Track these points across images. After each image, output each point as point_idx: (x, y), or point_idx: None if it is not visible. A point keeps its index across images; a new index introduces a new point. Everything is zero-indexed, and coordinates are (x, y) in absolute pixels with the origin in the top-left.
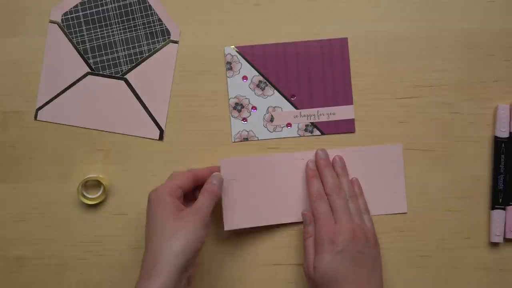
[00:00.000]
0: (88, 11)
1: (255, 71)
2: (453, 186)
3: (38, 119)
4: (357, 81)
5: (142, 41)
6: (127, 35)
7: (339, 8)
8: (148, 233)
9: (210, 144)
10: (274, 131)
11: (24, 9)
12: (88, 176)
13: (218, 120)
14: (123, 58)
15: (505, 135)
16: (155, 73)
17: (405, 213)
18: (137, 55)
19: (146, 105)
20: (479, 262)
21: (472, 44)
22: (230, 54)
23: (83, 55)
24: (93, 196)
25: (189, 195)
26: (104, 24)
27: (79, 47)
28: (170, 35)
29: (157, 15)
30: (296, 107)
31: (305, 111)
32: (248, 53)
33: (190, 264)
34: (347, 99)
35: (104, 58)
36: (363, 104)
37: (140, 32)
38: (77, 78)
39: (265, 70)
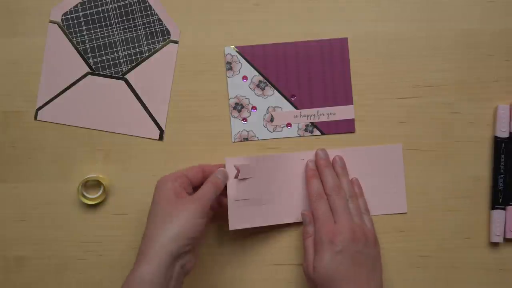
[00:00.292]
0: (88, 11)
1: (255, 71)
2: (453, 186)
3: (38, 119)
4: (357, 81)
5: (142, 41)
6: (127, 35)
7: (339, 8)
8: (148, 218)
9: (210, 144)
10: (274, 131)
11: (24, 9)
12: (88, 176)
13: (218, 120)
14: (123, 58)
15: (505, 135)
16: (155, 73)
17: (405, 213)
18: (137, 55)
19: (146, 105)
20: (479, 262)
21: (472, 44)
22: (230, 54)
23: (83, 55)
24: (93, 196)
25: (198, 189)
26: (104, 24)
27: (79, 47)
28: (170, 35)
29: (157, 15)
30: (296, 107)
31: (305, 111)
32: (248, 53)
33: (185, 252)
34: (347, 99)
35: (104, 58)
36: (363, 104)
37: (140, 32)
38: (77, 78)
39: (265, 70)
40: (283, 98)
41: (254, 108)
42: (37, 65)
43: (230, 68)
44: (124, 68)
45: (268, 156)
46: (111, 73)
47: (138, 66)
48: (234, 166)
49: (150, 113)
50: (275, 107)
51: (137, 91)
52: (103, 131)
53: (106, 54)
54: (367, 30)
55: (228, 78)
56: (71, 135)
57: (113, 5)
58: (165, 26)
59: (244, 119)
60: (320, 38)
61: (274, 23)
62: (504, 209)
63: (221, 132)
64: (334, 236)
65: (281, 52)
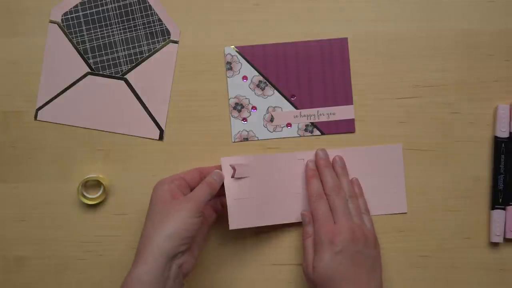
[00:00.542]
0: (88, 11)
1: (255, 71)
2: (453, 186)
3: (38, 119)
4: (357, 81)
5: (142, 41)
6: (127, 35)
7: (339, 8)
8: (145, 219)
9: (210, 144)
10: (274, 131)
11: (24, 9)
12: (88, 176)
13: (218, 120)
14: (123, 58)
15: (505, 135)
16: (155, 73)
17: (405, 213)
18: (137, 55)
19: (146, 105)
20: (479, 262)
21: (472, 44)
22: (230, 54)
23: (83, 55)
24: (93, 196)
25: None
26: (104, 24)
27: (79, 47)
28: (170, 35)
29: (157, 15)
30: (296, 107)
31: (305, 111)
32: (248, 53)
33: (181, 252)
34: (347, 99)
35: (104, 58)
36: (363, 104)
37: (140, 32)
38: (77, 78)
39: (265, 70)
40: (283, 98)
41: (254, 108)
42: (37, 65)
43: (230, 68)
44: (124, 68)
45: (265, 155)
46: (111, 73)
47: (138, 66)
48: (230, 165)
49: (150, 113)
50: (275, 107)
51: (137, 91)
52: (103, 131)
53: (106, 54)
54: (367, 30)
55: (228, 78)
56: (71, 135)
57: (113, 5)
58: (165, 26)
59: (244, 119)
60: (320, 38)
61: (274, 23)
62: (504, 209)
63: (221, 132)
64: (334, 236)
65: (281, 52)
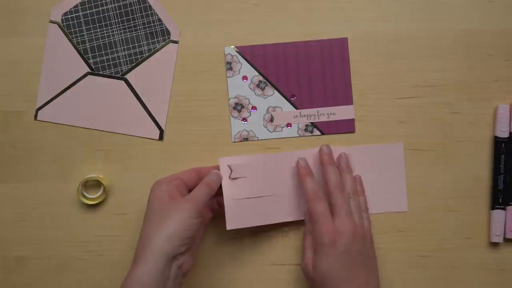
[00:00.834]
0: (88, 11)
1: (255, 71)
2: (453, 186)
3: (38, 119)
4: (357, 81)
5: (142, 41)
6: (127, 35)
7: (339, 8)
8: (143, 220)
9: (210, 144)
10: (274, 131)
11: (24, 9)
12: (88, 176)
13: (218, 120)
14: (123, 58)
15: (505, 135)
16: (155, 73)
17: (406, 211)
18: (137, 55)
19: (146, 105)
20: (479, 262)
21: (472, 44)
22: (230, 54)
23: (83, 55)
24: (93, 196)
25: None
26: (104, 24)
27: (79, 47)
28: (170, 35)
29: (157, 15)
30: (296, 107)
31: (305, 111)
32: (248, 53)
33: (181, 252)
34: (347, 99)
35: (104, 58)
36: (363, 104)
37: (140, 32)
38: (77, 78)
39: (265, 70)
40: (283, 98)
41: (254, 108)
42: (37, 65)
43: (230, 68)
44: (124, 68)
45: (263, 155)
46: (111, 73)
47: (138, 66)
48: (228, 165)
49: (150, 113)
50: (275, 107)
51: (137, 91)
52: (103, 131)
53: (106, 54)
54: (367, 30)
55: (228, 78)
56: (71, 135)
57: (113, 5)
58: (165, 26)
59: (244, 119)
60: (320, 38)
61: (274, 23)
62: (504, 209)
63: (221, 132)
64: (335, 236)
65: (281, 52)
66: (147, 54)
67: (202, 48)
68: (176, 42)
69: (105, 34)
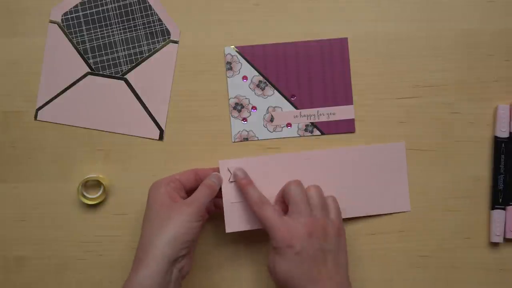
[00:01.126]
0: (88, 11)
1: (255, 71)
2: (453, 186)
3: (38, 119)
4: (357, 81)
5: (142, 41)
6: (127, 35)
7: (339, 8)
8: (143, 223)
9: (210, 144)
10: (274, 131)
11: (24, 9)
12: (88, 176)
13: (218, 120)
14: (123, 58)
15: (505, 135)
16: (155, 73)
17: (409, 211)
18: (137, 55)
19: (146, 105)
20: (479, 262)
21: (472, 44)
22: (230, 54)
23: (83, 55)
24: (93, 196)
25: (191, 193)
26: (104, 24)
27: (79, 47)
28: (170, 35)
29: (157, 15)
30: (296, 107)
31: (305, 111)
32: (248, 53)
33: (182, 256)
34: (347, 99)
35: (104, 58)
36: (363, 104)
37: (140, 32)
38: (77, 78)
39: (265, 70)
40: (283, 98)
41: (254, 108)
42: (37, 65)
43: (230, 68)
44: (124, 68)
45: (262, 157)
46: (111, 73)
47: (138, 66)
48: (228, 168)
49: (150, 113)
50: (275, 107)
51: (137, 91)
52: (103, 131)
53: (106, 54)
54: (367, 30)
55: (228, 78)
56: (71, 135)
57: (113, 5)
58: (165, 26)
59: (244, 119)
60: (320, 38)
61: (274, 23)
62: (504, 209)
63: (221, 132)
64: (291, 236)
65: (281, 52)
66: (147, 54)
67: (202, 48)
68: (176, 42)
69: (105, 34)
